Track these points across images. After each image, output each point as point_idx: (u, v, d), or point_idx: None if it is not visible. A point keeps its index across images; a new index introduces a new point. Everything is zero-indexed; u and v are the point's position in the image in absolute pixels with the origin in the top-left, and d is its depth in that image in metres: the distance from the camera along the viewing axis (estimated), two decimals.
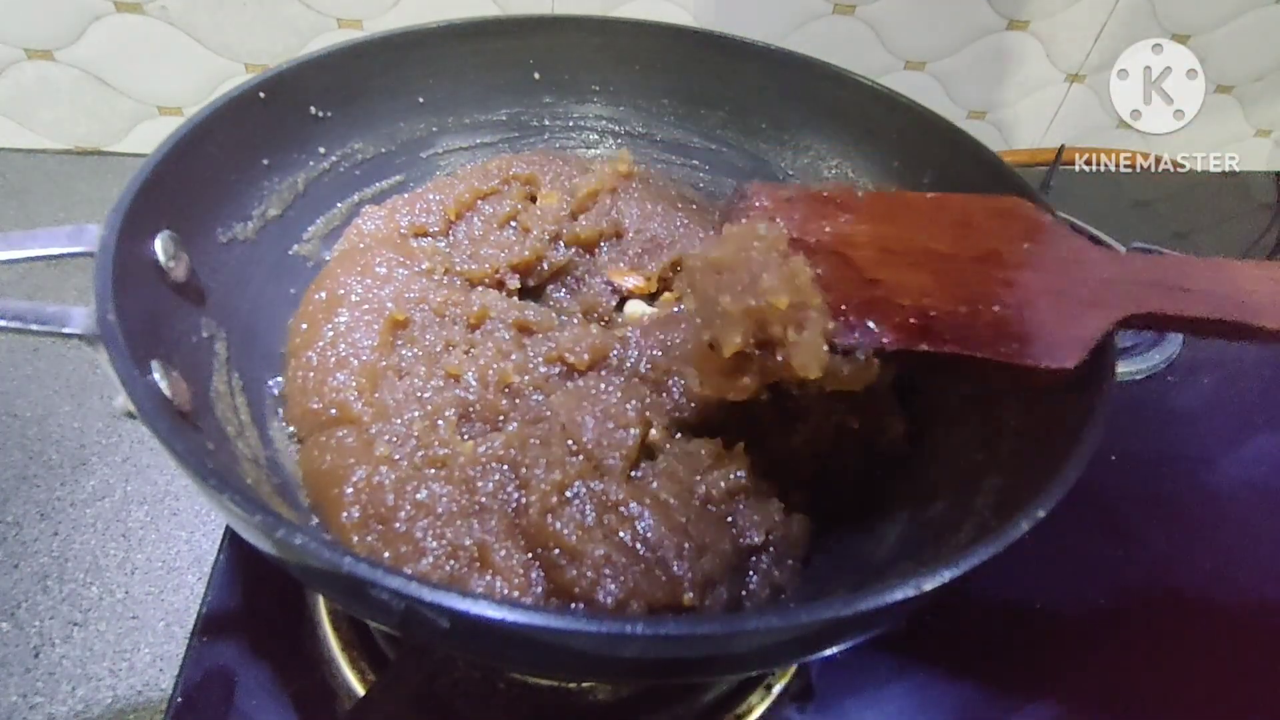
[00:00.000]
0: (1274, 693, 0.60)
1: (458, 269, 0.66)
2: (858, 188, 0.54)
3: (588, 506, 0.47)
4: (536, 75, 0.77)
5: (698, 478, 0.51)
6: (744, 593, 0.49)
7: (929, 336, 0.45)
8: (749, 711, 0.56)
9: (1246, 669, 0.62)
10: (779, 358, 0.44)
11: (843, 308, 0.46)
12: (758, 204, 0.53)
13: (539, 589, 0.46)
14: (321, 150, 0.67)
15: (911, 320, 0.46)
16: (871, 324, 0.45)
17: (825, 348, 0.43)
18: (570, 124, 0.80)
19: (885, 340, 0.45)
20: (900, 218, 0.51)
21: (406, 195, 0.70)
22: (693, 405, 0.57)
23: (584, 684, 0.55)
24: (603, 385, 0.55)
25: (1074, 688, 0.59)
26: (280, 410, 0.56)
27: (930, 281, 0.48)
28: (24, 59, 0.95)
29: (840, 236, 0.51)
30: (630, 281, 0.69)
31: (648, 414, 0.53)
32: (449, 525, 0.47)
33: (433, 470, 0.51)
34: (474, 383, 0.56)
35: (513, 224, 0.71)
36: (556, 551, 0.45)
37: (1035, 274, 0.47)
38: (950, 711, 0.57)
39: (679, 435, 0.55)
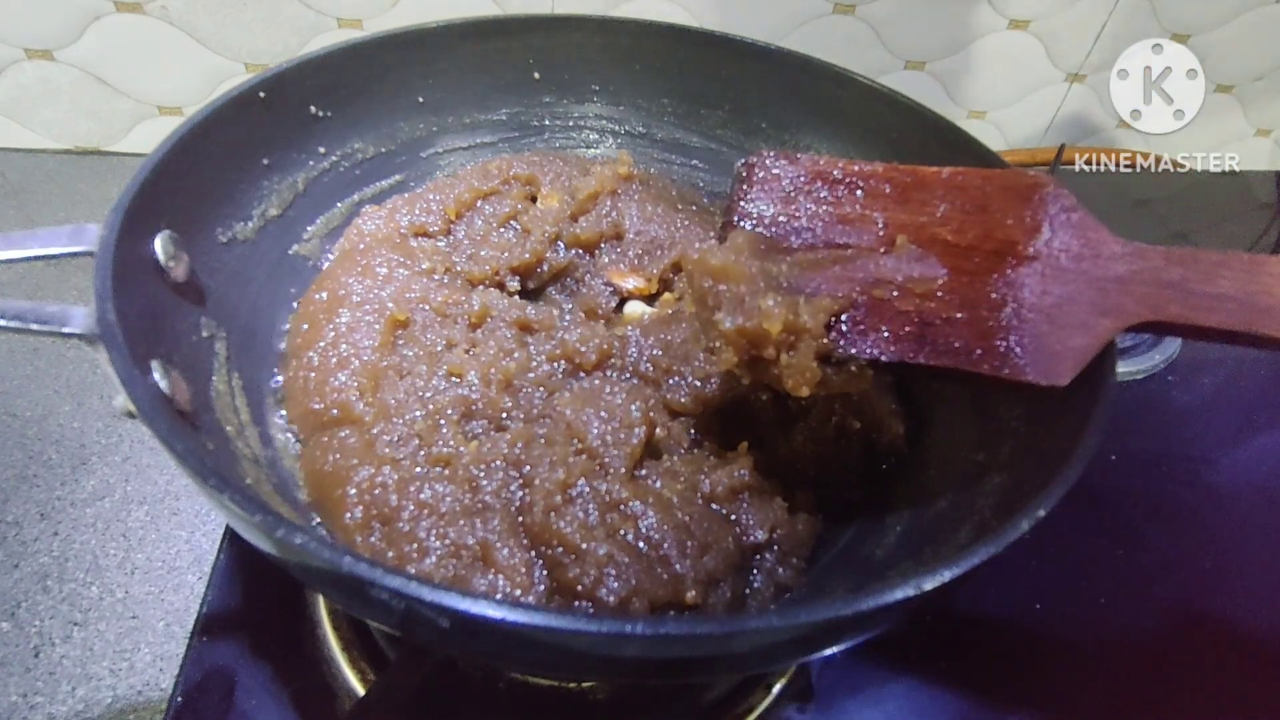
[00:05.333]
0: (1275, 693, 0.60)
1: (458, 269, 0.66)
2: (866, 162, 0.50)
3: (591, 505, 0.47)
4: (536, 75, 0.77)
5: (701, 476, 0.51)
6: (747, 591, 0.49)
7: (924, 349, 0.44)
8: (749, 711, 0.56)
9: (1247, 669, 0.62)
10: (773, 370, 0.44)
11: (841, 317, 0.45)
12: (765, 183, 0.51)
13: (541, 587, 0.46)
14: (321, 150, 0.67)
15: (908, 329, 0.45)
16: (868, 335, 0.45)
17: (816, 366, 0.44)
18: (570, 124, 0.80)
19: (880, 354, 0.45)
20: (914, 199, 0.49)
21: (406, 195, 0.70)
22: (695, 404, 0.57)
23: (584, 684, 0.55)
24: (608, 385, 0.55)
25: (1074, 688, 0.59)
26: (280, 410, 0.56)
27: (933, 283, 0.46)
28: (24, 59, 0.95)
29: (848, 223, 0.49)
30: (631, 283, 0.69)
31: (651, 414, 0.53)
32: (452, 525, 0.47)
33: (435, 469, 0.51)
34: (476, 381, 0.56)
35: (513, 224, 0.71)
36: (559, 550, 0.45)
37: (1046, 273, 0.45)
38: (950, 711, 0.57)
39: (682, 434, 0.55)
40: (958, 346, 0.44)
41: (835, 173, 0.51)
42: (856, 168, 0.51)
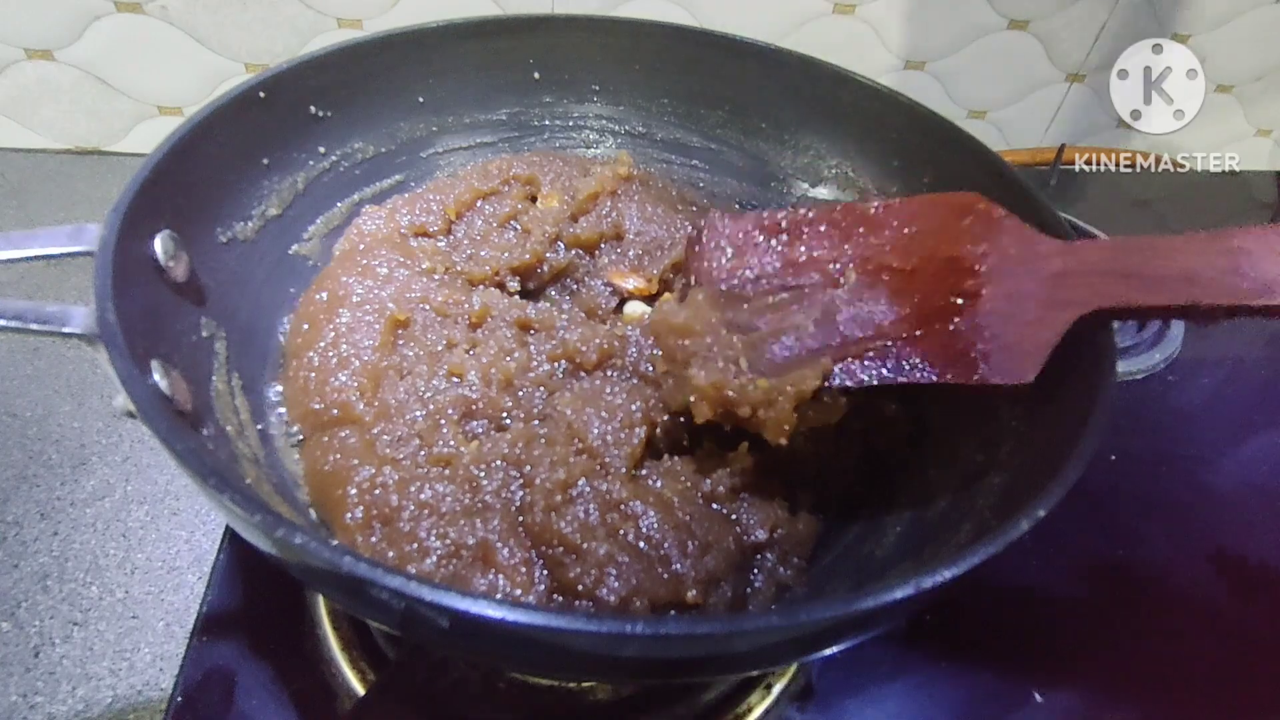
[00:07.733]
0: (1274, 692, 0.60)
1: (458, 269, 0.66)
2: (808, 208, 0.54)
3: (591, 505, 0.47)
4: (536, 75, 0.77)
5: (701, 476, 0.51)
6: (748, 590, 0.49)
7: (890, 370, 0.47)
8: (749, 711, 0.56)
9: (1246, 669, 0.62)
10: (751, 421, 0.46)
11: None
12: (716, 242, 0.53)
13: (542, 587, 0.46)
14: (321, 150, 0.67)
15: (872, 354, 0.47)
16: (834, 368, 0.47)
17: (794, 416, 0.45)
18: (570, 124, 0.80)
19: (849, 381, 0.47)
20: (855, 235, 0.52)
21: (406, 195, 0.70)
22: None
23: (584, 684, 0.55)
24: (608, 385, 0.55)
25: (1073, 688, 0.59)
26: (280, 410, 0.56)
27: (886, 308, 0.49)
28: (24, 59, 0.95)
29: (798, 266, 0.52)
30: (631, 283, 0.69)
31: (652, 414, 0.53)
32: (452, 525, 0.47)
33: (436, 469, 0.51)
34: (476, 381, 0.56)
35: (513, 224, 0.71)
36: (560, 549, 0.46)
37: (991, 280, 0.47)
38: (950, 711, 0.57)
39: (682, 434, 0.55)
40: (921, 363, 0.47)
41: (781, 222, 0.53)
42: (800, 214, 0.53)
